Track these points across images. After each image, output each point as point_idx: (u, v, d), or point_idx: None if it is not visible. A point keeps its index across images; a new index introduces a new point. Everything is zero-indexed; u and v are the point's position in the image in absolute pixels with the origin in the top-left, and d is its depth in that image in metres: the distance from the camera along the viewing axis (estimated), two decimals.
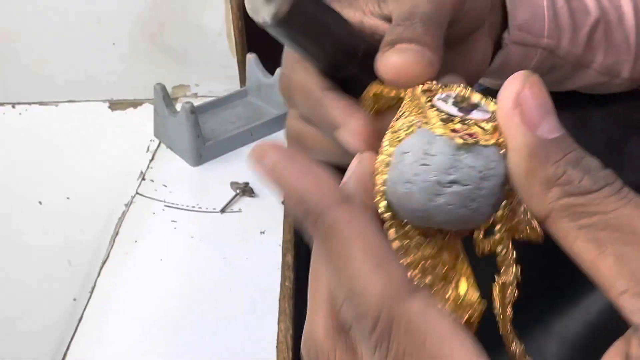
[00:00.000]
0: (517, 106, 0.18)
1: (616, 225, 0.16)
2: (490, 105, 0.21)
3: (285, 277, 0.53)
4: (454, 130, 0.19)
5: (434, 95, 0.22)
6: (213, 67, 0.81)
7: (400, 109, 0.23)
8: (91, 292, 0.53)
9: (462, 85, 0.23)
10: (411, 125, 0.21)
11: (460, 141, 0.19)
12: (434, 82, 0.23)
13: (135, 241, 0.58)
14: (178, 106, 0.81)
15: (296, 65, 0.29)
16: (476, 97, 0.22)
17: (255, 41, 0.81)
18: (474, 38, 0.35)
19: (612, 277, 0.17)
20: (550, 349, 0.53)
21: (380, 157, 0.21)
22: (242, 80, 0.82)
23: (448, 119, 0.20)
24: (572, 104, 0.59)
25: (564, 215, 0.17)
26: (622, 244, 0.16)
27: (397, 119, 0.22)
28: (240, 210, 0.61)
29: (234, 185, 0.63)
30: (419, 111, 0.21)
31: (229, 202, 0.62)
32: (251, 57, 0.76)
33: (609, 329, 0.49)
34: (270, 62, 0.77)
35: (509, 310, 0.22)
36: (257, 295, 0.51)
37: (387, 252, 0.18)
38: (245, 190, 0.63)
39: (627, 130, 0.59)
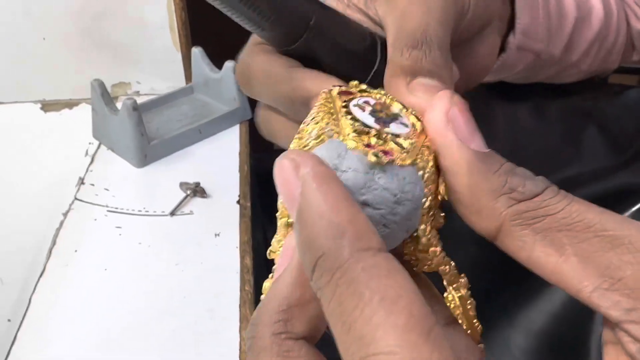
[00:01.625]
0: (449, 122, 0.18)
1: (569, 223, 0.17)
2: (410, 118, 0.20)
3: (245, 281, 0.49)
4: (368, 145, 0.18)
5: (352, 100, 0.20)
6: (155, 63, 0.76)
7: (312, 110, 0.20)
8: (25, 311, 0.47)
9: (383, 91, 0.21)
10: (321, 134, 0.19)
11: (374, 159, 0.17)
12: (355, 82, 0.21)
13: (76, 251, 0.52)
14: (119, 105, 0.76)
15: (255, 49, 0.27)
16: (396, 107, 0.20)
17: (200, 34, 0.77)
18: (483, 34, 0.33)
19: (578, 277, 0.16)
20: (516, 341, 0.52)
21: None
22: (188, 76, 0.77)
23: (363, 130, 0.18)
24: (529, 96, 0.59)
25: (516, 223, 0.17)
26: (580, 242, 0.16)
27: (307, 123, 0.20)
28: (191, 213, 0.57)
29: (183, 185, 0.59)
30: (332, 117, 0.19)
31: (179, 204, 0.57)
32: (197, 51, 0.72)
33: (572, 319, 0.48)
34: (217, 56, 0.73)
35: (477, 323, 0.21)
36: (214, 302, 0.47)
37: (433, 321, 0.14)
38: (197, 190, 0.58)
39: (583, 121, 0.60)
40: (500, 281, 0.50)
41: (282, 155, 0.17)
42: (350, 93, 0.21)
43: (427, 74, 0.23)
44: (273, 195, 0.21)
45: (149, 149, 0.63)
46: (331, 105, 0.20)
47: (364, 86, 0.21)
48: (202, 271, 0.50)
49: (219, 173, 0.62)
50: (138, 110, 0.61)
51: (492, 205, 0.17)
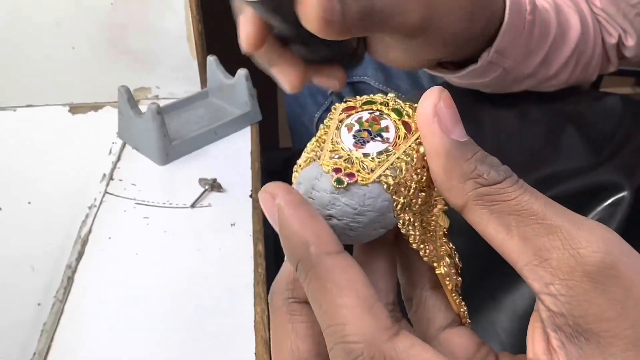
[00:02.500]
0: (435, 115, 0.21)
1: (519, 210, 0.20)
2: (400, 129, 0.23)
3: (258, 264, 0.56)
4: (337, 169, 0.22)
5: (349, 116, 0.24)
6: (174, 70, 0.83)
7: (319, 127, 0.26)
8: (69, 290, 0.54)
9: (387, 98, 0.25)
10: (309, 158, 0.24)
11: (335, 185, 0.22)
12: (359, 99, 0.25)
13: (109, 238, 0.60)
14: (142, 107, 0.83)
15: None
16: (386, 120, 0.24)
17: (215, 43, 0.84)
18: None
19: (518, 253, 0.20)
20: (501, 324, 0.57)
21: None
22: (203, 81, 0.84)
23: (336, 155, 0.23)
24: (514, 100, 0.65)
25: (478, 203, 0.21)
26: (524, 225, 0.20)
27: (312, 140, 0.25)
28: (210, 205, 0.64)
29: (202, 181, 0.66)
30: (323, 139, 0.24)
31: (198, 198, 0.64)
32: (212, 59, 0.79)
33: None
34: (230, 63, 0.80)
35: (455, 296, 0.25)
36: (232, 282, 0.54)
37: (374, 299, 0.20)
38: (214, 185, 0.65)
39: (563, 123, 0.65)
40: (488, 268, 0.55)
41: (263, 188, 0.23)
42: (353, 108, 0.25)
43: None
44: None
45: (170, 148, 0.70)
46: (329, 124, 0.25)
47: (374, 97, 0.25)
48: (220, 256, 0.57)
49: (233, 170, 0.70)
50: (161, 114, 0.68)
51: (461, 186, 0.21)
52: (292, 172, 0.25)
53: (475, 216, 0.21)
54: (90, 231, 0.60)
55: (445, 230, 0.24)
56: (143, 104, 0.83)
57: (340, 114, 0.25)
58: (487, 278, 0.57)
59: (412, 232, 0.23)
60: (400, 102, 0.25)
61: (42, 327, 0.56)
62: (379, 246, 0.25)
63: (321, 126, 0.26)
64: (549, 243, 0.19)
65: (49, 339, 0.52)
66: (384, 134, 0.23)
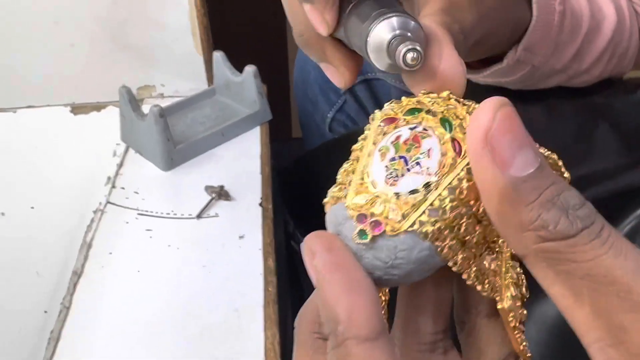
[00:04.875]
0: (486, 144, 0.16)
1: (595, 275, 0.16)
2: (447, 152, 0.19)
3: (268, 282, 0.52)
4: (361, 217, 0.19)
5: (387, 135, 0.20)
6: (179, 66, 0.79)
7: (359, 139, 0.22)
8: (68, 309, 0.51)
9: (439, 99, 0.21)
10: (340, 186, 0.21)
11: (358, 239, 0.19)
12: (410, 101, 0.22)
13: (110, 253, 0.56)
14: (145, 107, 0.79)
15: None
16: (430, 140, 0.19)
17: (221, 38, 0.80)
18: None
19: (587, 325, 0.16)
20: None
21: None
22: (210, 78, 0.80)
23: (364, 195, 0.19)
24: (541, 94, 0.60)
25: (541, 260, 0.17)
26: (599, 295, 0.16)
27: (343, 168, 0.21)
28: (217, 215, 0.60)
29: (208, 189, 0.62)
30: (353, 168, 0.21)
31: (204, 207, 0.60)
32: (218, 55, 0.74)
33: None
34: (238, 59, 0.75)
35: (517, 333, 0.21)
36: (240, 302, 0.50)
37: None
38: (221, 194, 0.61)
39: (595, 118, 0.60)
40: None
41: (306, 239, 0.19)
42: (394, 120, 0.21)
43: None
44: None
45: (175, 152, 0.66)
46: (364, 142, 0.21)
47: (422, 100, 0.21)
48: (227, 273, 0.53)
49: (241, 175, 0.65)
50: (164, 117, 0.64)
51: (519, 237, 0.17)
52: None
53: (538, 271, 0.17)
54: (90, 246, 0.57)
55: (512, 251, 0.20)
56: (147, 103, 0.80)
57: (379, 126, 0.21)
58: None
59: (466, 269, 0.20)
60: (456, 105, 0.20)
61: (50, 335, 0.53)
62: None
63: (359, 140, 0.21)
64: (631, 323, 0.15)
65: (56, 346, 0.49)
66: (424, 162, 0.19)
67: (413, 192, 0.19)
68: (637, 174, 0.54)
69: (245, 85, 0.73)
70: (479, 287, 0.20)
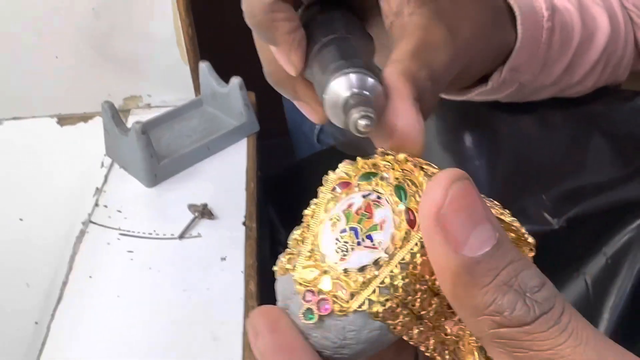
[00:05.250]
0: (438, 224, 0.15)
1: None
2: (400, 224, 0.18)
3: (249, 307, 0.51)
4: (309, 292, 0.18)
5: (339, 202, 0.19)
6: (165, 77, 0.78)
7: (311, 203, 0.20)
8: (45, 339, 0.50)
9: (394, 161, 0.20)
10: (289, 258, 0.19)
11: (302, 318, 0.18)
12: (360, 164, 0.20)
13: (90, 277, 0.55)
14: (132, 118, 0.78)
15: None
16: (383, 209, 0.18)
17: (207, 48, 0.78)
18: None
19: None
20: None
21: None
22: (197, 88, 0.79)
23: (312, 269, 0.18)
24: (534, 104, 0.59)
25: (497, 346, 0.15)
26: None
27: (294, 232, 0.20)
28: (199, 235, 0.59)
29: (191, 207, 0.61)
30: (303, 237, 0.20)
31: (187, 227, 0.59)
32: (204, 66, 0.73)
33: (586, 315, 0.49)
34: (224, 69, 0.74)
35: None
36: (220, 330, 0.49)
37: None
38: (204, 212, 0.60)
39: (590, 128, 0.58)
40: None
41: (250, 315, 0.18)
42: (347, 184, 0.20)
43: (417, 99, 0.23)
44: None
45: (159, 169, 0.65)
46: (316, 208, 0.20)
47: (377, 162, 0.20)
48: (208, 297, 0.52)
49: (226, 191, 0.64)
50: (146, 133, 0.62)
51: (475, 320, 0.16)
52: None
53: (495, 356, 0.16)
54: (70, 269, 0.56)
55: None
56: (134, 114, 0.79)
57: (332, 191, 0.20)
58: None
59: (424, 342, 0.19)
60: (413, 169, 0.19)
61: (41, 346, 0.52)
62: None
63: (310, 205, 0.20)
64: None
65: None
66: (375, 235, 0.18)
67: (363, 268, 0.18)
68: (632, 187, 0.53)
69: (232, 96, 0.71)
70: (439, 359, 0.19)
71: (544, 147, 0.59)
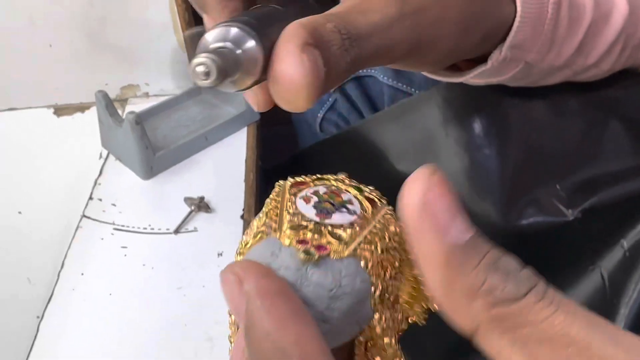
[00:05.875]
0: (423, 211, 0.16)
1: (551, 337, 0.15)
2: (364, 203, 0.20)
3: None
4: (302, 241, 0.18)
5: (301, 191, 0.20)
6: (163, 64, 0.75)
7: (265, 203, 0.21)
8: (34, 339, 0.48)
9: (340, 176, 0.21)
10: (259, 232, 0.19)
11: (303, 256, 0.17)
12: (309, 177, 0.21)
13: (82, 274, 0.53)
14: (129, 108, 0.76)
15: None
16: (347, 194, 0.20)
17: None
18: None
19: None
20: None
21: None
22: None
23: (299, 225, 0.18)
24: (546, 89, 0.55)
25: (494, 328, 0.16)
26: (560, 359, 0.15)
27: (256, 218, 0.21)
28: (195, 230, 0.57)
29: (188, 200, 0.59)
30: (276, 212, 0.19)
31: (183, 221, 0.57)
32: None
33: (602, 309, 0.46)
34: None
35: None
36: (214, 330, 0.47)
37: None
38: (201, 206, 0.58)
39: (606, 115, 0.56)
40: None
41: (226, 267, 0.17)
42: (303, 183, 0.21)
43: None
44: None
45: (154, 160, 0.63)
46: (279, 199, 0.20)
47: (325, 175, 0.21)
48: (203, 295, 0.50)
49: (224, 183, 0.62)
50: (141, 124, 0.60)
51: (468, 306, 0.16)
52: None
53: (492, 344, 0.16)
54: (62, 266, 0.54)
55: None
56: (132, 103, 0.76)
57: (286, 188, 0.21)
58: None
59: (388, 337, 0.19)
60: (357, 183, 0.21)
61: (30, 346, 0.51)
62: None
63: (267, 201, 0.21)
64: None
65: None
66: (350, 206, 0.20)
67: (348, 224, 0.19)
68: None
69: None
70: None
71: (557, 134, 0.56)
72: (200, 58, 0.18)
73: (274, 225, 0.19)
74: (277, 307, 0.16)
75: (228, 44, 0.20)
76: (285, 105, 0.22)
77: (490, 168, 0.59)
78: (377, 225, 0.19)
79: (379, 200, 0.21)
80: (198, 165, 0.64)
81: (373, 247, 0.19)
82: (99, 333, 0.48)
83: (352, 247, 0.18)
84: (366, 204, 0.20)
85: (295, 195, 0.20)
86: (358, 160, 0.61)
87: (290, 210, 0.19)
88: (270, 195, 0.21)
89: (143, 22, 0.72)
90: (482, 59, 0.40)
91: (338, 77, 0.23)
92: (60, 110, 0.77)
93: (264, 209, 0.21)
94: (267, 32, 0.21)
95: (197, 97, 0.74)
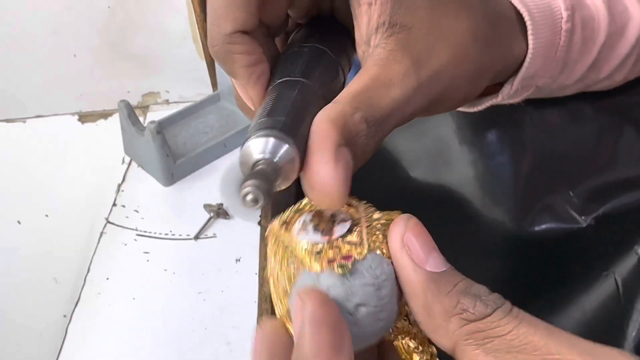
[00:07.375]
0: (404, 246, 0.19)
1: (518, 345, 0.18)
2: (350, 212, 0.22)
3: (262, 310, 0.51)
4: (330, 261, 0.20)
5: (293, 227, 0.22)
6: (182, 72, 0.77)
7: (268, 250, 0.22)
8: (62, 341, 0.51)
9: (303, 202, 0.23)
10: (290, 275, 0.21)
11: (340, 270, 0.19)
12: (279, 217, 0.23)
13: (107, 278, 0.56)
14: (150, 115, 0.78)
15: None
16: (329, 211, 0.22)
17: None
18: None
19: None
20: None
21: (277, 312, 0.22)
22: (214, 83, 0.78)
23: (319, 252, 0.20)
24: (560, 96, 0.56)
25: (468, 342, 0.18)
26: None
27: (271, 269, 0.22)
28: (214, 236, 0.59)
29: (207, 207, 0.61)
30: (287, 251, 0.21)
31: (203, 227, 0.59)
32: None
33: (603, 327, 0.46)
34: None
35: None
36: (233, 335, 0.49)
37: None
38: (219, 212, 0.60)
39: (621, 120, 0.56)
40: (531, 289, 0.49)
41: (300, 291, 0.19)
42: (287, 223, 0.22)
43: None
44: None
45: (175, 168, 0.65)
46: (279, 241, 0.22)
47: (300, 204, 0.23)
48: (222, 300, 0.52)
49: None
50: (162, 133, 0.62)
51: (446, 325, 0.19)
52: None
53: (469, 357, 0.18)
54: (88, 270, 0.57)
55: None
56: (152, 110, 0.79)
57: (279, 231, 0.22)
58: (529, 303, 0.50)
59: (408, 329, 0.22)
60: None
61: (59, 348, 0.53)
62: None
63: (269, 249, 0.22)
64: None
65: None
66: (341, 215, 0.22)
67: (348, 231, 0.21)
68: None
69: None
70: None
71: (571, 140, 0.57)
72: (247, 188, 0.20)
73: (296, 261, 0.21)
74: (321, 337, 0.18)
75: (267, 155, 0.21)
76: (319, 205, 0.22)
77: (504, 175, 0.59)
78: (367, 218, 0.22)
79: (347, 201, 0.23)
80: (217, 172, 0.66)
81: (378, 234, 0.21)
82: (124, 336, 0.50)
83: (365, 244, 0.20)
84: (344, 208, 0.22)
85: (290, 233, 0.22)
86: (371, 168, 0.62)
87: (299, 247, 0.21)
88: (268, 246, 0.23)
89: (163, 32, 0.74)
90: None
91: (364, 162, 0.24)
92: (85, 117, 0.80)
93: (272, 260, 0.22)
94: (300, 129, 0.22)
95: (216, 104, 0.76)
